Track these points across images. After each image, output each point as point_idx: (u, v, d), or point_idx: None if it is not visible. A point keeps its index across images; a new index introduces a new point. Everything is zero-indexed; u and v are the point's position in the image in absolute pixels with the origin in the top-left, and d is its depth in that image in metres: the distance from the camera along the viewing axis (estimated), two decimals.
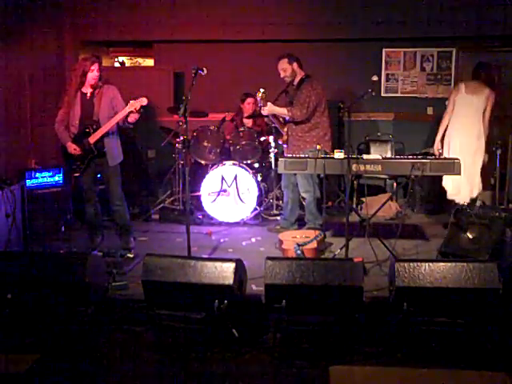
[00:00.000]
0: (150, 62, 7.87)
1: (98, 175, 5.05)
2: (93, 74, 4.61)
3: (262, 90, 5.04)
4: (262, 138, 5.90)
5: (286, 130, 5.30)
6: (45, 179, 5.48)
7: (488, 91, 5.12)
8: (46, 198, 5.40)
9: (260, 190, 5.76)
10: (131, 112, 4.60)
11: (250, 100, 6.24)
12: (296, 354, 3.24)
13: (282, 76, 5.20)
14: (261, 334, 3.45)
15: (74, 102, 4.66)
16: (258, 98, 5.09)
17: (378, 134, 6.73)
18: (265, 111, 5.15)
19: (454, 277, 3.29)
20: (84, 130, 4.67)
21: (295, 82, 5.21)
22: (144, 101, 4.64)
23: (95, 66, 4.61)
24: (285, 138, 5.31)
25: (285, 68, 5.17)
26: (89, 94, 4.70)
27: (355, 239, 4.61)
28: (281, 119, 5.33)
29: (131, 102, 4.64)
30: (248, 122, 6.29)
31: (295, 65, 5.16)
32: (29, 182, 5.29)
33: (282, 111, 5.14)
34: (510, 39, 6.40)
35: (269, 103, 5.09)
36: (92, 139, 4.66)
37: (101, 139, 4.67)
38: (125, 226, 4.94)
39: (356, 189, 6.10)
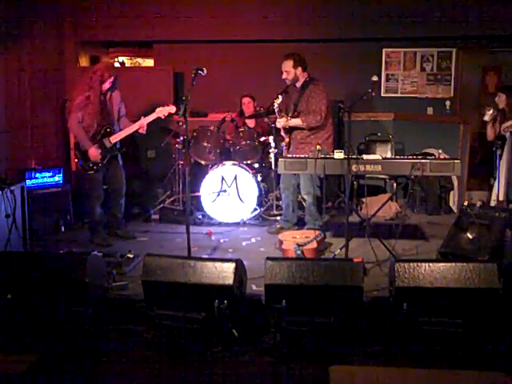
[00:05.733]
0: (150, 62, 7.87)
1: None
2: (110, 80, 4.78)
3: (280, 98, 5.01)
4: (262, 138, 5.89)
5: (288, 134, 5.24)
6: (45, 179, 5.48)
7: None
8: (46, 198, 5.40)
9: (260, 190, 5.76)
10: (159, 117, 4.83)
11: (244, 100, 6.27)
12: (296, 354, 3.24)
13: (283, 77, 5.11)
14: (261, 334, 3.45)
15: (96, 104, 4.78)
16: (276, 105, 5.02)
17: (378, 134, 6.72)
18: (280, 124, 5.11)
19: (454, 277, 3.29)
20: (105, 129, 4.85)
21: (298, 85, 5.13)
22: (173, 109, 4.83)
23: (113, 74, 4.81)
24: (287, 140, 5.24)
25: (288, 71, 5.06)
26: (102, 97, 4.84)
27: (355, 239, 4.61)
28: (287, 127, 5.20)
29: (159, 108, 4.86)
30: (250, 123, 6.29)
31: (299, 69, 5.06)
32: (29, 182, 5.29)
33: (297, 122, 5.05)
34: (510, 39, 6.40)
35: (289, 120, 5.04)
36: (113, 139, 4.87)
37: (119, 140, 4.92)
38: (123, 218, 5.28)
39: (356, 189, 6.10)
